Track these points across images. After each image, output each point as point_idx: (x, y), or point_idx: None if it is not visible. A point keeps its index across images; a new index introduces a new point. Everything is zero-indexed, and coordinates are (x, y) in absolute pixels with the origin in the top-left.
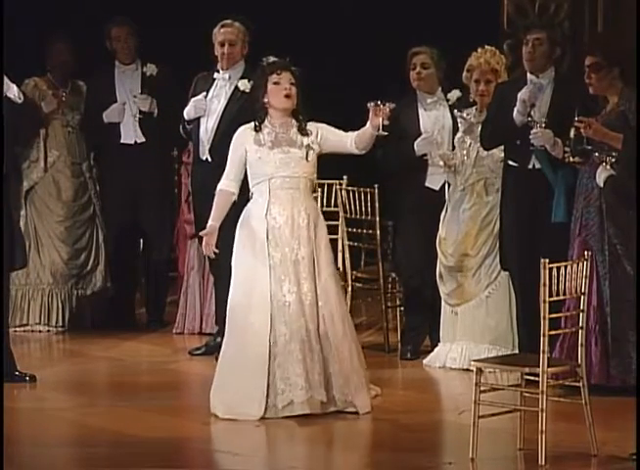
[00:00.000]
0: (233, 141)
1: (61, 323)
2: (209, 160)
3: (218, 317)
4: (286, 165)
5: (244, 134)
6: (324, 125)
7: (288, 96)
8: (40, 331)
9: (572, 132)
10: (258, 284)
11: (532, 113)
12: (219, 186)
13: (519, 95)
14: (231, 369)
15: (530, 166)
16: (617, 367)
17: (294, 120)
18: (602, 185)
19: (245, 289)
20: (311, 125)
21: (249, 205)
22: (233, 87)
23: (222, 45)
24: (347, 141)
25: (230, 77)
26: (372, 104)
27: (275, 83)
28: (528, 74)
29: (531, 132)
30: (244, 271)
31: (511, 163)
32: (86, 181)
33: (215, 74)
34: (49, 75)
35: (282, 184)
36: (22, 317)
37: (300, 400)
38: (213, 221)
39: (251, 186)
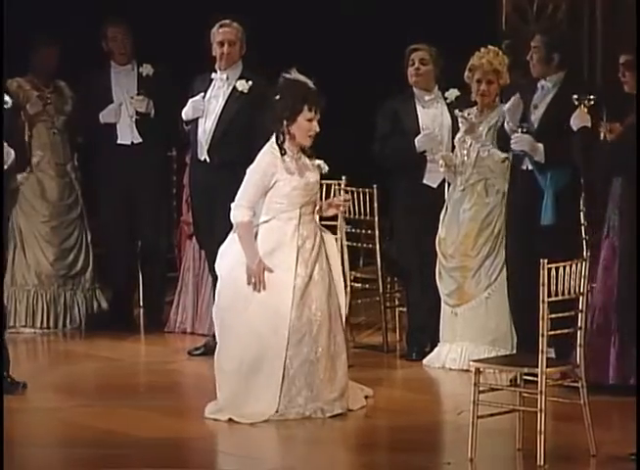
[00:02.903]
0: (260, 167)
1: (46, 325)
2: (208, 160)
3: None
4: (310, 191)
5: (273, 162)
6: None
7: (311, 137)
8: (26, 333)
9: (602, 135)
10: (280, 302)
11: (532, 117)
12: (243, 217)
13: (504, 107)
14: (246, 377)
15: (524, 168)
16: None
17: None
18: (575, 129)
19: (267, 304)
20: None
21: (266, 229)
22: (231, 88)
23: (222, 45)
24: None
25: (228, 78)
26: (333, 200)
27: (308, 120)
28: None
29: (512, 137)
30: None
31: (503, 155)
32: (72, 182)
33: (213, 74)
34: (31, 76)
35: (306, 210)
36: (7, 319)
37: (331, 408)
38: (257, 256)
39: (273, 212)
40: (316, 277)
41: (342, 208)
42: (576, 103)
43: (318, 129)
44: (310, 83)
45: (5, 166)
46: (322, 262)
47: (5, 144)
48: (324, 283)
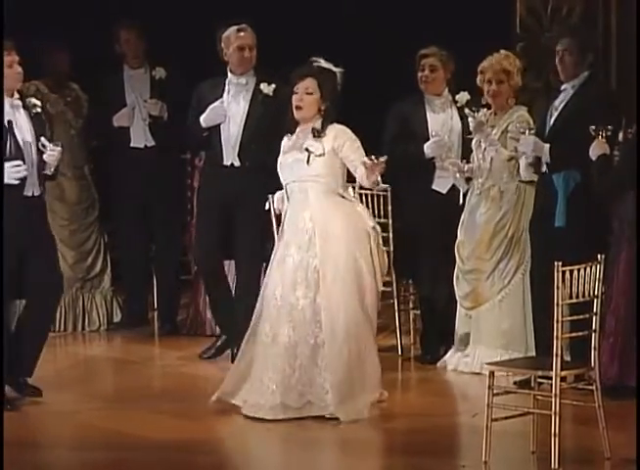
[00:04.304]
0: None
1: (63, 328)
2: (236, 164)
3: None
4: (294, 170)
5: (282, 143)
6: (350, 137)
7: (298, 107)
8: None
9: (621, 137)
10: (270, 283)
11: (551, 119)
12: None
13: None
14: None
15: (543, 170)
16: None
17: (316, 125)
18: (593, 159)
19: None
20: (332, 129)
21: None
22: (251, 91)
23: (241, 49)
24: (356, 170)
25: (247, 82)
26: (366, 161)
27: (294, 94)
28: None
29: (520, 139)
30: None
31: (510, 154)
32: (89, 184)
33: (228, 78)
34: (44, 80)
35: (293, 188)
36: None
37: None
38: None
39: None
40: (295, 262)
41: (377, 170)
42: (593, 134)
43: (301, 96)
44: (319, 64)
45: (50, 170)
46: (309, 250)
47: (51, 144)
48: (305, 271)
